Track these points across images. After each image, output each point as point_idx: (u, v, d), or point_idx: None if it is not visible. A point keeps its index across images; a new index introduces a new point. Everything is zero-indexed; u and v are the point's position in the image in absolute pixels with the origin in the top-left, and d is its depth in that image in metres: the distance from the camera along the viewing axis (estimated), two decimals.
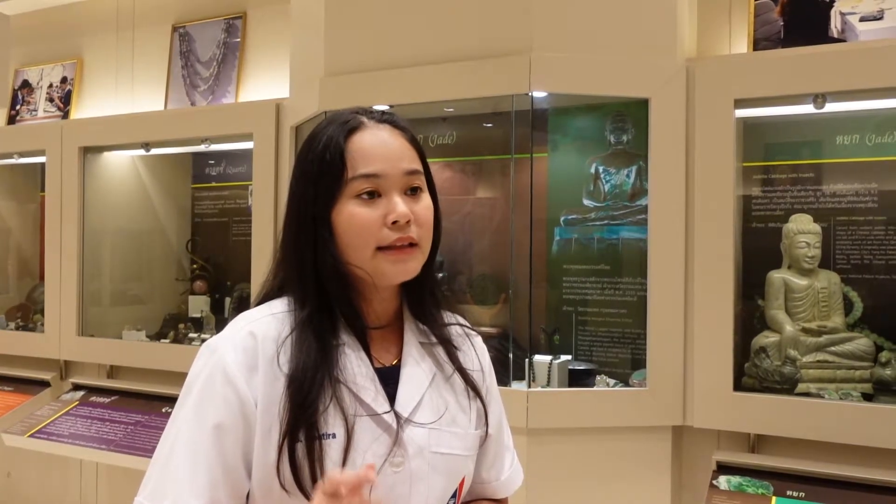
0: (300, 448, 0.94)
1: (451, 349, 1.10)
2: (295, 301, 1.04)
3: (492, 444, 1.16)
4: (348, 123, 1.03)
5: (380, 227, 0.99)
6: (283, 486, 0.94)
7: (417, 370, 1.06)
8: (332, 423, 0.96)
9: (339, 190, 1.00)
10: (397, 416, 1.01)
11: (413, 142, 1.06)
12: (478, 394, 1.11)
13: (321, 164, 1.01)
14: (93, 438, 2.74)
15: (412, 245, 1.01)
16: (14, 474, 3.44)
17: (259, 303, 1.08)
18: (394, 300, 1.09)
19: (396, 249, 1.00)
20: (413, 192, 1.03)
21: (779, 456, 2.01)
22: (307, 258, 1.02)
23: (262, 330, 1.00)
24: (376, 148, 1.02)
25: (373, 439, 0.98)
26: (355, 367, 1.01)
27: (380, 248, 1.00)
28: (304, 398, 0.95)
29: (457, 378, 1.09)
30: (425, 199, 1.04)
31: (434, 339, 1.10)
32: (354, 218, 1.00)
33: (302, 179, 1.04)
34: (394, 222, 0.99)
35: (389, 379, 1.04)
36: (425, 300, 1.10)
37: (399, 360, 1.07)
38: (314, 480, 0.93)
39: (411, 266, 1.03)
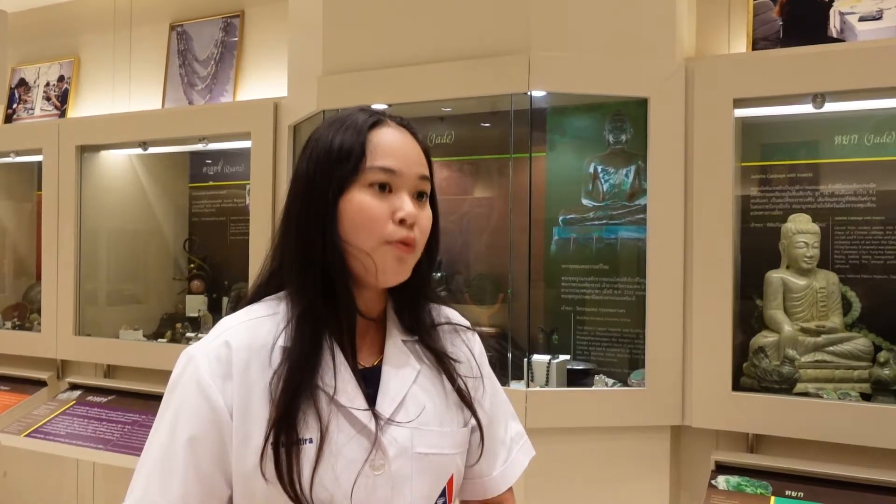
0: (281, 452, 0.94)
1: (446, 364, 1.10)
2: (291, 290, 1.03)
3: (485, 438, 1.14)
4: (372, 117, 1.05)
5: (387, 222, 1.00)
6: (266, 479, 0.95)
7: (399, 370, 1.06)
8: (311, 428, 0.96)
9: (354, 177, 1.01)
10: (377, 417, 1.00)
11: (426, 153, 1.08)
12: (468, 404, 1.10)
13: (341, 148, 1.02)
14: (89, 438, 2.73)
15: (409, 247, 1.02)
16: (10, 474, 3.43)
17: (257, 289, 1.10)
18: (380, 301, 1.10)
19: (401, 245, 1.01)
20: (419, 197, 1.05)
21: (777, 456, 2.01)
22: (314, 239, 1.01)
23: (237, 338, 1.00)
24: (396, 145, 1.04)
25: (348, 439, 0.98)
26: (338, 369, 1.00)
27: (386, 242, 1.01)
28: (287, 408, 0.95)
29: (445, 377, 1.09)
30: (428, 210, 1.07)
31: (417, 337, 1.10)
32: (364, 208, 1.00)
33: (317, 161, 1.03)
34: (401, 220, 1.00)
35: (371, 380, 1.03)
36: (412, 303, 1.11)
37: (381, 361, 1.07)
38: (291, 483, 0.93)
39: (406, 267, 1.04)
